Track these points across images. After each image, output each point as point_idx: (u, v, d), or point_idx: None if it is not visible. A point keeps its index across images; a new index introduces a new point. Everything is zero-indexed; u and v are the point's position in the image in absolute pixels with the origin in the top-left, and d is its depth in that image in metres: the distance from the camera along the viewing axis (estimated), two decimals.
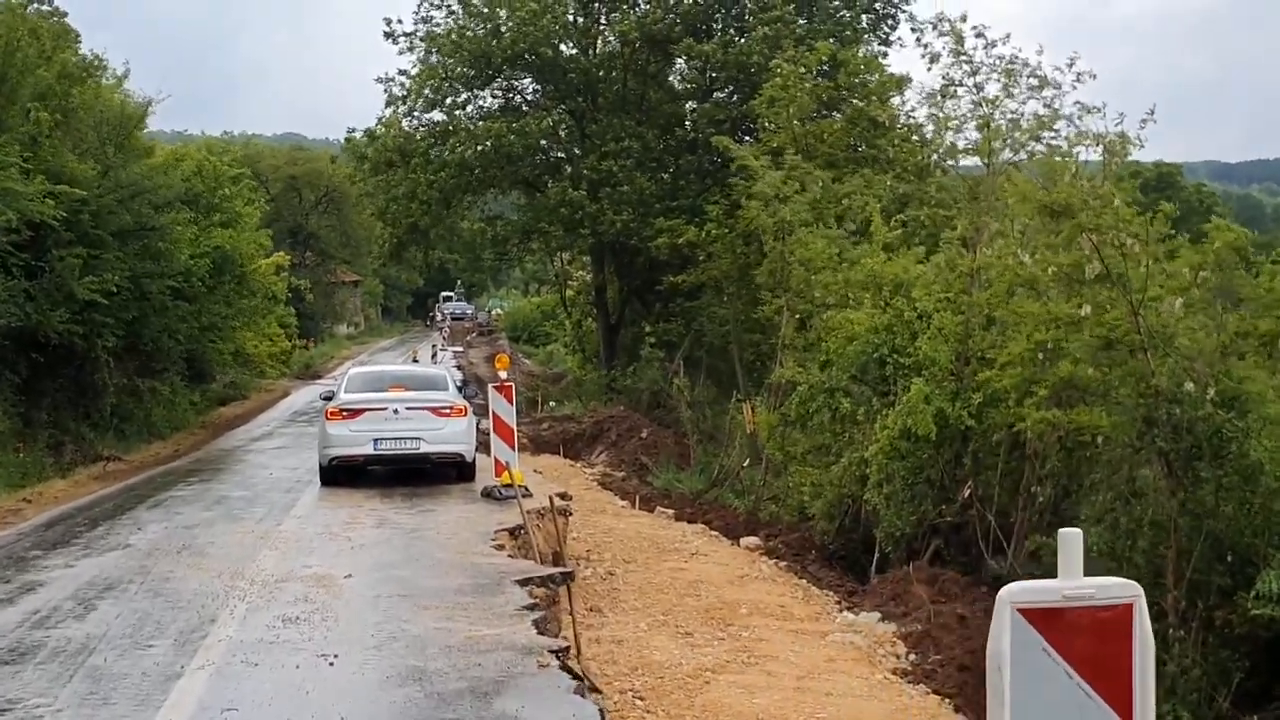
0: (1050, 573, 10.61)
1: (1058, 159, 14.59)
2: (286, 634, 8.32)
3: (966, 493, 14.49)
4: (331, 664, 7.57)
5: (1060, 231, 13.00)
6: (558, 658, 7.48)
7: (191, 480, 18.74)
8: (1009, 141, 21.70)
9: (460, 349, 53.32)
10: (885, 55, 34.01)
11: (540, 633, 8.14)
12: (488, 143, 34.22)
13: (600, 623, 11.66)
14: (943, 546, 14.59)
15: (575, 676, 7.33)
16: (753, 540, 16.94)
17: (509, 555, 11.31)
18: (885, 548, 15.23)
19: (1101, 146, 15.07)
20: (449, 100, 35.42)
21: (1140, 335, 10.97)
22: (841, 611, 13.16)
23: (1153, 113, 14.73)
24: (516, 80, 36.60)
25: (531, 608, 8.81)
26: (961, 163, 25.61)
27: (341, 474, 16.21)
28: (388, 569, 10.62)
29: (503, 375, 15.91)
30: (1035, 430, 12.75)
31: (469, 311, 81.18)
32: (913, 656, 11.50)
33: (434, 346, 51.60)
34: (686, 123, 35.46)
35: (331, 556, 11.37)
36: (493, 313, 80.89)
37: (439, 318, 76.80)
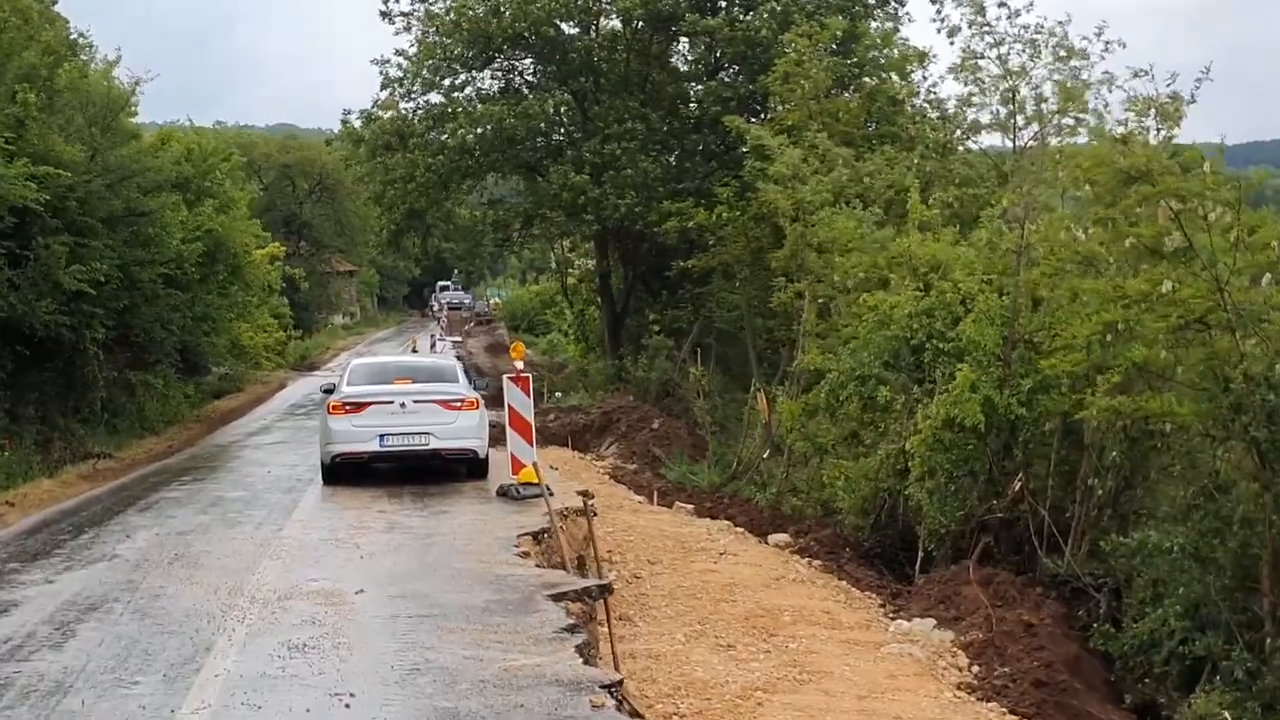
0: (1115, 574, 9.50)
1: (1121, 128, 13.58)
2: (293, 665, 7.27)
3: (1017, 486, 13.56)
4: (348, 705, 6.52)
5: (1117, 202, 12.04)
6: (612, 694, 6.41)
7: (185, 479, 17.75)
8: (1041, 112, 20.84)
9: (458, 339, 52.27)
10: (896, 32, 32.96)
11: (586, 662, 7.08)
12: (487, 126, 33.18)
13: (632, 633, 10.73)
14: (992, 544, 13.67)
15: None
16: (782, 537, 16.09)
17: (535, 564, 10.28)
18: (928, 546, 14.35)
19: (1154, 111, 14.15)
20: (447, 82, 34.38)
21: (1227, 314, 9.96)
22: (890, 617, 12.25)
23: (1208, 70, 13.85)
24: (517, 61, 35.59)
25: (571, 629, 7.75)
26: (984, 141, 24.80)
27: (345, 472, 15.22)
28: (403, 582, 9.56)
29: (518, 365, 14.85)
30: (1099, 419, 11.77)
31: (466, 301, 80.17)
32: (976, 669, 10.60)
33: (432, 336, 50.55)
34: (692, 103, 34.40)
35: (339, 567, 10.35)
36: (490, 302, 79.88)
37: (436, 307, 75.67)
